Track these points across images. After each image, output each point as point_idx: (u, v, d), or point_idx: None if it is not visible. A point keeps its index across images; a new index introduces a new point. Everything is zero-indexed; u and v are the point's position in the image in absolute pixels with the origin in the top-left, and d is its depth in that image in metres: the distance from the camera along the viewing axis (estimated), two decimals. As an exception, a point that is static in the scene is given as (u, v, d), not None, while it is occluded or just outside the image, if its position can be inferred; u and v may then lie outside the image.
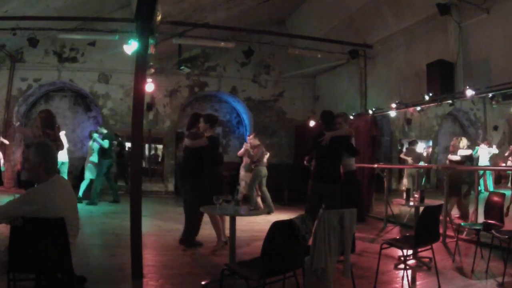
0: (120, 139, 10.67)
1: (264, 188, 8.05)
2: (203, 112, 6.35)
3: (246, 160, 8.04)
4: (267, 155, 8.16)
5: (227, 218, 4.77)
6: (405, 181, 9.24)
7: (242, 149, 8.01)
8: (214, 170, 5.01)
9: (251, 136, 8.19)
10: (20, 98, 10.25)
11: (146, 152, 11.37)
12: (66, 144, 7.28)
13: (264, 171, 7.95)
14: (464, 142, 6.93)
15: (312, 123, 9.88)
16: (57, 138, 4.67)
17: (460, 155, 6.81)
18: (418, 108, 7.42)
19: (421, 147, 10.79)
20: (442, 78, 6.25)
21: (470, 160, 6.90)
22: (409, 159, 8.86)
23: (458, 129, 12.98)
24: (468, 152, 6.83)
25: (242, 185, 7.94)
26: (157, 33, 6.68)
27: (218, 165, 5.16)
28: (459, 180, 6.42)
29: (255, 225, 6.17)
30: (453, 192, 6.25)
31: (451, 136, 12.66)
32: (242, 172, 8.17)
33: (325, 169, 4.81)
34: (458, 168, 6.41)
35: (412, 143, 9.28)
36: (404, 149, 10.65)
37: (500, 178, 11.09)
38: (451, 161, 6.89)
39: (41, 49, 9.68)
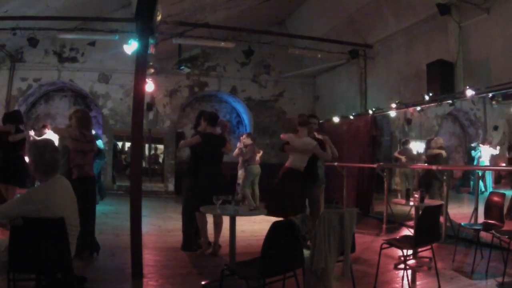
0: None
1: (256, 186, 8.29)
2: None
3: (241, 160, 8.23)
4: (259, 154, 8.46)
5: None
6: (397, 179, 9.35)
7: (236, 150, 8.16)
8: (213, 169, 4.82)
9: (244, 136, 8.46)
10: (20, 98, 10.25)
11: (146, 152, 11.37)
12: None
13: (256, 169, 8.13)
14: (438, 142, 7.28)
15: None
16: (93, 139, 4.51)
17: (426, 154, 7.09)
18: (418, 108, 7.42)
19: (415, 147, 10.84)
20: (442, 78, 6.25)
21: (436, 159, 7.28)
22: (403, 158, 8.93)
23: (458, 129, 12.97)
24: (436, 152, 7.14)
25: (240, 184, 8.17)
26: (157, 33, 6.68)
27: (218, 164, 4.97)
28: (430, 177, 6.78)
29: (255, 225, 6.16)
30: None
31: (451, 136, 12.67)
32: (239, 172, 8.31)
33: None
34: (458, 168, 6.46)
35: (405, 142, 9.37)
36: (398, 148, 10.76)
37: (500, 178, 11.09)
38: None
39: (41, 49, 9.68)
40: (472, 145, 10.96)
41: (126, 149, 12.51)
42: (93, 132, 8.40)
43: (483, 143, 10.69)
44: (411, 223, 6.30)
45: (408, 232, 6.00)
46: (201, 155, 4.79)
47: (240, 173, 8.31)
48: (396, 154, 9.57)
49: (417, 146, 10.81)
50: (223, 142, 4.95)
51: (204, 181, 4.66)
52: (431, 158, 7.27)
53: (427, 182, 6.82)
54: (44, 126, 8.66)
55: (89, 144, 4.35)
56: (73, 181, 4.01)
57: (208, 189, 4.31)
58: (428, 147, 7.52)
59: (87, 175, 4.27)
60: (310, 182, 5.09)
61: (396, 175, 9.50)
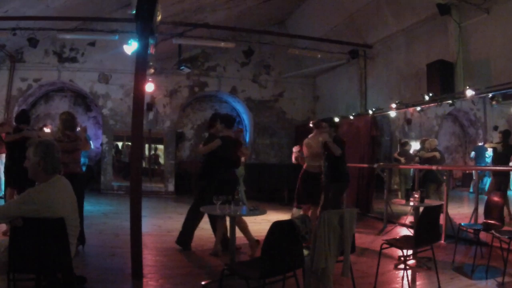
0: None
1: (241, 187, 8.38)
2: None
3: None
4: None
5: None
6: (396, 179, 9.40)
7: None
8: (231, 172, 4.82)
9: None
10: (20, 98, 10.25)
11: (146, 152, 11.37)
12: None
13: (240, 170, 8.22)
14: (432, 143, 7.43)
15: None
16: (77, 139, 4.79)
17: (418, 155, 7.49)
18: (418, 108, 7.43)
19: (415, 147, 10.86)
20: (442, 78, 6.25)
21: (431, 161, 7.37)
22: (402, 159, 8.95)
23: (458, 129, 12.96)
24: (429, 155, 7.32)
25: None
26: (157, 33, 6.67)
27: (234, 168, 4.98)
28: (426, 179, 6.93)
29: (255, 225, 6.14)
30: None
31: (451, 136, 12.66)
32: None
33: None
34: (457, 168, 6.47)
35: (404, 144, 9.40)
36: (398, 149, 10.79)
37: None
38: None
39: (41, 49, 9.69)
40: (480, 144, 10.94)
41: (124, 148, 12.43)
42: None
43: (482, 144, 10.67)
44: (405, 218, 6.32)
45: (408, 232, 6.00)
46: (220, 158, 4.73)
47: None
48: (395, 155, 9.59)
49: (416, 146, 10.82)
50: (239, 145, 4.94)
51: (221, 184, 4.61)
52: (425, 160, 7.28)
53: (422, 184, 6.86)
54: (45, 126, 8.65)
55: (72, 143, 4.66)
56: None
57: (225, 192, 4.27)
58: (421, 148, 7.53)
59: (72, 172, 4.48)
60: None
61: (395, 175, 9.55)
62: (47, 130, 8.36)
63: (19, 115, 5.97)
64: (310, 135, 5.73)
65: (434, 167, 6.54)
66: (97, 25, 8.16)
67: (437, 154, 7.34)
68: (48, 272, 2.65)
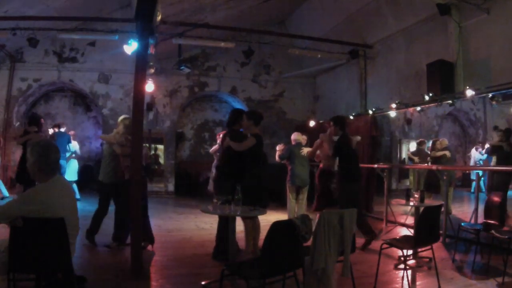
0: None
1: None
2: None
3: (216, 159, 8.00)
4: None
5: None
6: (411, 178, 9.38)
7: (215, 146, 8.00)
8: (260, 170, 4.60)
9: (220, 135, 8.17)
10: (20, 98, 10.25)
11: (146, 152, 11.36)
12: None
13: None
14: (443, 143, 7.49)
15: (312, 123, 9.87)
16: None
17: (431, 156, 7.55)
18: (418, 108, 7.43)
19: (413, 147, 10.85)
20: (442, 78, 6.25)
21: (441, 160, 7.39)
22: (416, 159, 8.93)
23: (458, 129, 12.97)
24: (439, 153, 7.39)
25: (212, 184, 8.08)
26: (157, 33, 6.68)
27: (263, 166, 4.76)
28: (438, 178, 6.94)
29: (255, 225, 6.15)
30: (431, 189, 7.00)
31: (451, 136, 12.66)
32: (213, 171, 8.13)
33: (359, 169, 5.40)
34: (457, 168, 6.46)
35: (420, 143, 9.38)
36: (410, 149, 10.74)
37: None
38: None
39: (41, 49, 9.68)
40: None
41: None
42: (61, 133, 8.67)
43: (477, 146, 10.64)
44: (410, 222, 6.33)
45: (408, 232, 6.00)
46: (254, 158, 4.51)
47: (215, 172, 8.12)
48: (409, 154, 9.57)
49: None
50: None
51: (255, 186, 4.41)
52: (436, 159, 7.32)
53: (435, 184, 6.87)
54: (56, 125, 8.68)
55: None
56: (126, 181, 4.62)
57: (257, 191, 4.19)
58: (433, 148, 7.58)
59: None
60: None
61: (410, 174, 9.56)
62: (63, 130, 8.52)
63: (29, 118, 6.27)
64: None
65: (434, 167, 6.54)
66: (97, 25, 8.14)
67: (447, 153, 7.41)
68: (48, 272, 2.65)
